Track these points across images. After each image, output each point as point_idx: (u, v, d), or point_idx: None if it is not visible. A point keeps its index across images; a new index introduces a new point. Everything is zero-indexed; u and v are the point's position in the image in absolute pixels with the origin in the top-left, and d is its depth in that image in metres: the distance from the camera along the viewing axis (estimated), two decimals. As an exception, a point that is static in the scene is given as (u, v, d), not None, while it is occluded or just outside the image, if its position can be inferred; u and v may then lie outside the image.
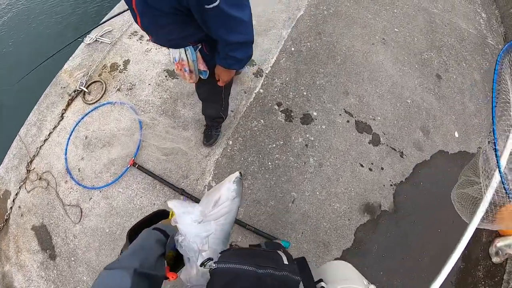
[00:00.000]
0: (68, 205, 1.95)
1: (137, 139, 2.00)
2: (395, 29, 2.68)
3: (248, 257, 0.75)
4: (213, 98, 1.56)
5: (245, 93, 2.20)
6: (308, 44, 2.43)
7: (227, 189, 0.85)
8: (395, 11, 2.81)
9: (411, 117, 2.27)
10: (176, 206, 0.76)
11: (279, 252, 0.82)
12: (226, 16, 0.91)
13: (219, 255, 0.77)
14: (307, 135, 2.04)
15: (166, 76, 2.29)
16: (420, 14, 2.85)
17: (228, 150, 1.95)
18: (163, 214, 0.92)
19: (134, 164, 1.94)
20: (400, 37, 2.65)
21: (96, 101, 2.23)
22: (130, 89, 2.26)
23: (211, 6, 0.86)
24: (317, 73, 2.30)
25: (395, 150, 2.12)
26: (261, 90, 2.15)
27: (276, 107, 2.10)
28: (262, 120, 2.05)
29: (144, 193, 1.89)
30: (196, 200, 1.81)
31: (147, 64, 2.36)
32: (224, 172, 1.92)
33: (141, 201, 1.87)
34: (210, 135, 1.98)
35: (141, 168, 1.92)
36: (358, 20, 2.67)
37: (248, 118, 2.06)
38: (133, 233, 0.80)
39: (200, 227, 0.74)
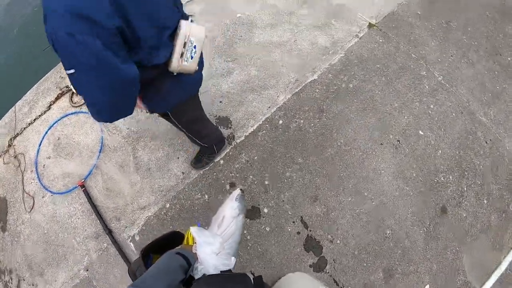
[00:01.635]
0: (27, 193, 2.19)
1: (92, 163, 2.07)
2: (420, 132, 2.16)
3: (219, 285, 0.81)
4: (178, 129, 1.53)
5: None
6: (301, 121, 2.09)
7: (231, 207, 0.91)
8: (431, 106, 2.23)
9: (381, 252, 1.89)
10: (198, 234, 0.82)
11: (247, 274, 0.87)
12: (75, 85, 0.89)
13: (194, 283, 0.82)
14: (245, 232, 1.88)
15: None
16: (461, 119, 2.22)
17: (163, 213, 1.92)
18: (178, 235, 1.00)
19: (82, 186, 2.05)
20: (421, 144, 2.12)
21: (80, 106, 2.30)
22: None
23: (67, 72, 0.83)
24: (292, 162, 2.00)
25: (337, 285, 1.82)
26: (221, 162, 1.98)
27: (228, 187, 1.93)
28: (206, 196, 1.92)
29: (81, 216, 2.02)
30: (118, 247, 1.89)
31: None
32: (150, 232, 1.90)
33: (77, 222, 2.02)
34: (200, 159, 1.96)
35: (85, 193, 2.03)
36: (379, 106, 2.18)
37: (195, 187, 1.95)
38: (147, 252, 0.88)
39: (219, 259, 0.81)
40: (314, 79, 2.19)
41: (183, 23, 1.01)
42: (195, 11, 2.55)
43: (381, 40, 2.52)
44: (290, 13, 2.60)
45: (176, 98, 1.18)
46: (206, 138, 1.71)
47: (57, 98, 2.36)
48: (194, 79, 1.19)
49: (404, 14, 2.91)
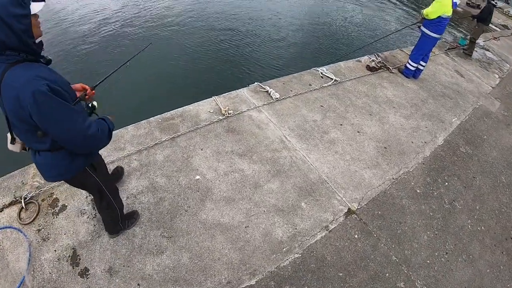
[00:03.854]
0: None
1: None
2: None
3: None
4: None
5: None
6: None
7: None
8: None
9: None
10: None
11: None
12: None
13: None
14: None
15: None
16: None
17: None
18: None
19: None
20: None
21: (26, 224, 2.19)
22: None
23: None
24: None
25: None
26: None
27: None
28: None
29: None
30: None
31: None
32: None
33: None
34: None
35: None
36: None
37: None
38: None
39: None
40: (250, 285, 1.78)
41: None
42: (158, 159, 2.27)
43: (356, 236, 2.12)
44: (256, 185, 2.17)
45: None
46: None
47: (10, 204, 2.36)
48: None
49: (398, 194, 2.48)
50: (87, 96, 1.42)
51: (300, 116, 2.91)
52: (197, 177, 2.17)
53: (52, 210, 2.26)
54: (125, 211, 1.96)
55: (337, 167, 2.48)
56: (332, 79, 3.48)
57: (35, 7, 1.02)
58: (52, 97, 1.02)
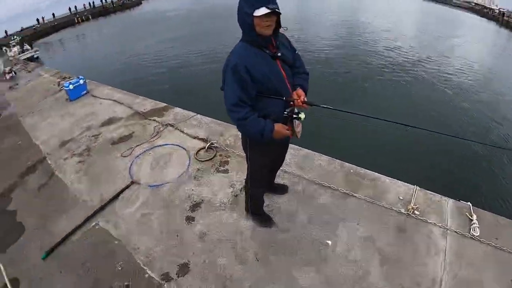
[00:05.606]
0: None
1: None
2: None
3: None
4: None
5: None
6: None
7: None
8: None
9: None
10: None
11: None
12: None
13: None
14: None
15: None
16: None
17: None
18: None
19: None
20: None
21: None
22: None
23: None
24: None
25: None
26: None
27: None
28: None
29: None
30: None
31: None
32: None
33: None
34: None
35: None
36: None
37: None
38: None
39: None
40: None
41: None
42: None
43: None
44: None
45: None
46: (251, 183, 2.02)
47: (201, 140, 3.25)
48: None
49: None
50: (291, 103, 1.57)
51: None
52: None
53: (216, 166, 3.02)
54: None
55: None
56: None
57: (257, 12, 1.38)
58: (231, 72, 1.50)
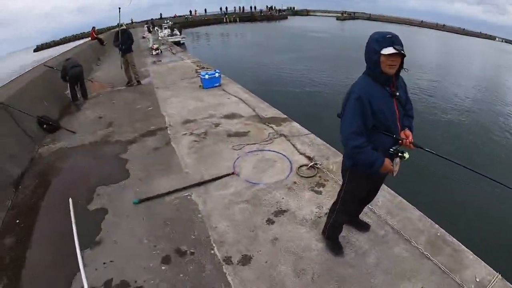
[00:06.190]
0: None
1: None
2: None
3: None
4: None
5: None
6: None
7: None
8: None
9: None
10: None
11: None
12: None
13: None
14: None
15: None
16: None
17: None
18: None
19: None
20: None
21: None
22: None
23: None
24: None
25: None
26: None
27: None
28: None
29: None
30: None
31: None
32: None
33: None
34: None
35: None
36: None
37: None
38: None
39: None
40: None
41: None
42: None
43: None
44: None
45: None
46: (338, 213, 2.01)
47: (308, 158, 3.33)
48: None
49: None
50: (400, 141, 1.62)
51: None
52: None
53: (312, 185, 3.05)
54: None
55: None
56: None
57: (384, 50, 1.46)
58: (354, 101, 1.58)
